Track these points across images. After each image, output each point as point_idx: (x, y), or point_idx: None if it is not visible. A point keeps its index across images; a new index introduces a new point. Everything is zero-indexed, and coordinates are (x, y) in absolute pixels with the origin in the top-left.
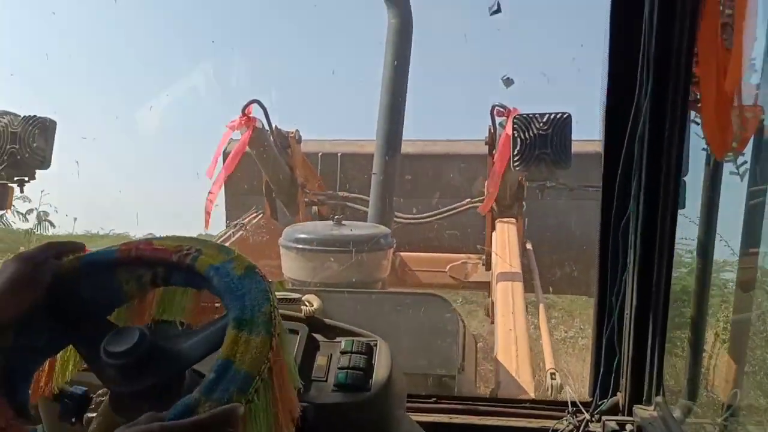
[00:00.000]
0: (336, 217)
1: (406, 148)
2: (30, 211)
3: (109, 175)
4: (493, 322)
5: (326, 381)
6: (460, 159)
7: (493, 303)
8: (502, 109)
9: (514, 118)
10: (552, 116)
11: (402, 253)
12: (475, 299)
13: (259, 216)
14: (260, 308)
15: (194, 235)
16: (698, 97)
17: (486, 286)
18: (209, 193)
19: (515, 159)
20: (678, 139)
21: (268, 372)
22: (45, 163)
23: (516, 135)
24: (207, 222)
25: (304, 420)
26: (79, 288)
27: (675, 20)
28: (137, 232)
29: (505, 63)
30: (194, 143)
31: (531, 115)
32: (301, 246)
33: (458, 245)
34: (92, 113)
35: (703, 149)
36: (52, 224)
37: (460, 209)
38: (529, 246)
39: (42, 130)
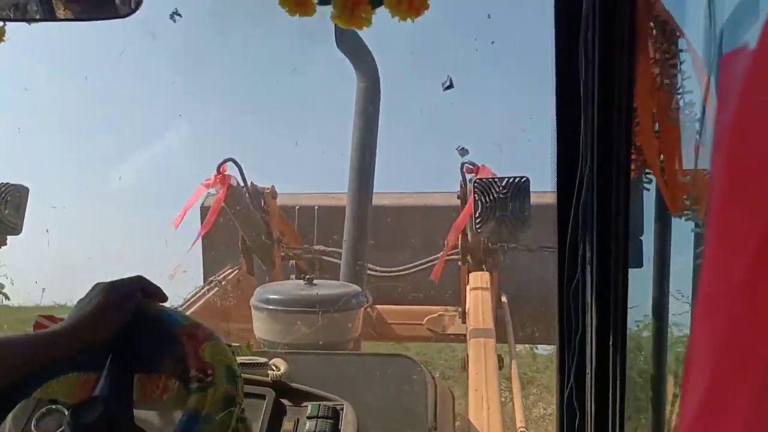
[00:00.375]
0: (307, 276)
1: (380, 200)
2: None
3: (78, 243)
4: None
5: None
6: (435, 210)
7: (468, 356)
8: (471, 167)
9: (475, 182)
10: (511, 180)
11: (379, 306)
12: None
13: (236, 272)
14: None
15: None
16: (644, 162)
17: (463, 339)
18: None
19: (477, 221)
20: (624, 201)
21: None
22: (17, 230)
23: (477, 198)
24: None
25: None
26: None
27: (613, 94)
28: None
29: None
30: (166, 207)
31: (491, 180)
32: (271, 307)
33: (435, 298)
34: (61, 182)
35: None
36: (6, 297)
37: (435, 262)
38: (504, 299)
39: (14, 196)
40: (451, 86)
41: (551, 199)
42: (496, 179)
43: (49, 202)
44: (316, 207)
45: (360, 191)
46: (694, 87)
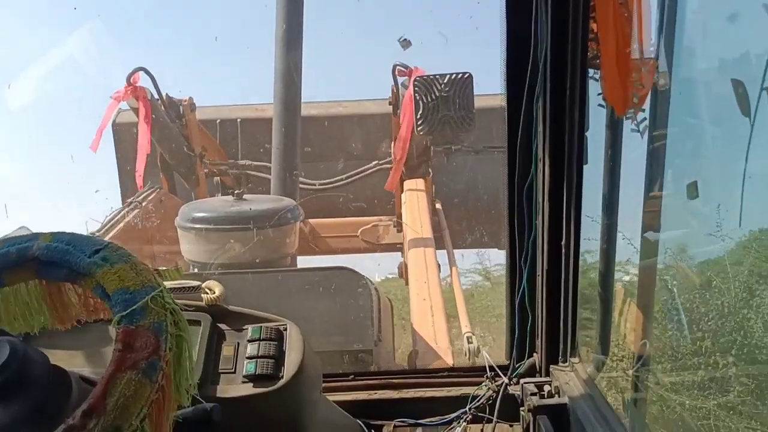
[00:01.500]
0: (236, 192)
1: (308, 110)
2: None
3: None
4: (407, 284)
5: (234, 372)
6: (365, 119)
7: (406, 265)
8: (403, 69)
9: (415, 80)
10: (453, 77)
11: (312, 220)
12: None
13: (157, 191)
14: (103, 246)
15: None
16: (597, 53)
17: (398, 249)
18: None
19: (418, 123)
20: (579, 96)
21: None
22: None
23: (417, 98)
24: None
25: (210, 421)
26: None
27: None
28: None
29: (405, 24)
30: (70, 119)
31: (432, 77)
32: (199, 225)
33: (369, 209)
34: None
35: (600, 105)
36: None
37: (367, 172)
38: (438, 206)
39: None
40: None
41: (494, 102)
42: (437, 77)
43: None
44: (238, 120)
45: (287, 98)
46: None
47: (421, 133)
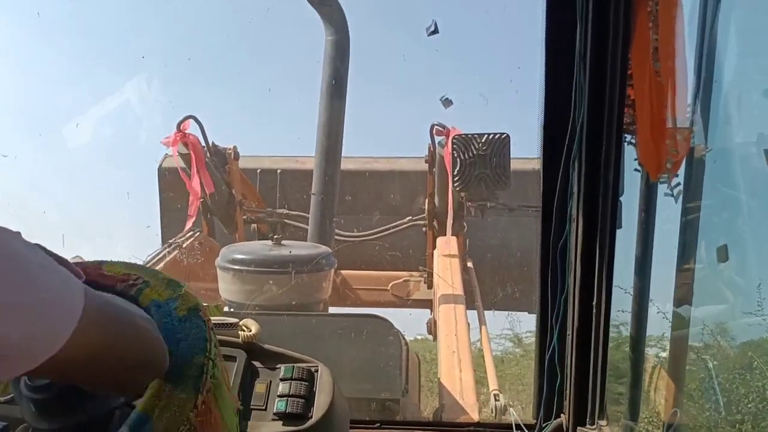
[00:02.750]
0: (275, 237)
1: (346, 164)
2: None
3: (32, 195)
4: (435, 340)
5: (265, 410)
6: (401, 176)
7: (435, 321)
8: (441, 129)
9: (453, 138)
10: (491, 136)
11: (343, 272)
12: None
13: (197, 235)
14: (192, 359)
15: (124, 258)
16: (633, 119)
17: (428, 304)
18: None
19: (455, 179)
20: (615, 159)
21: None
22: None
23: (455, 155)
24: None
25: None
26: None
27: (608, 43)
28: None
29: (444, 84)
30: (125, 161)
31: (470, 136)
32: (238, 267)
33: (400, 263)
34: (12, 131)
35: (636, 170)
36: None
37: (401, 227)
38: (470, 264)
39: None
40: (436, 31)
41: (527, 165)
42: (475, 135)
43: None
44: (278, 170)
45: (329, 147)
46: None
47: (458, 188)
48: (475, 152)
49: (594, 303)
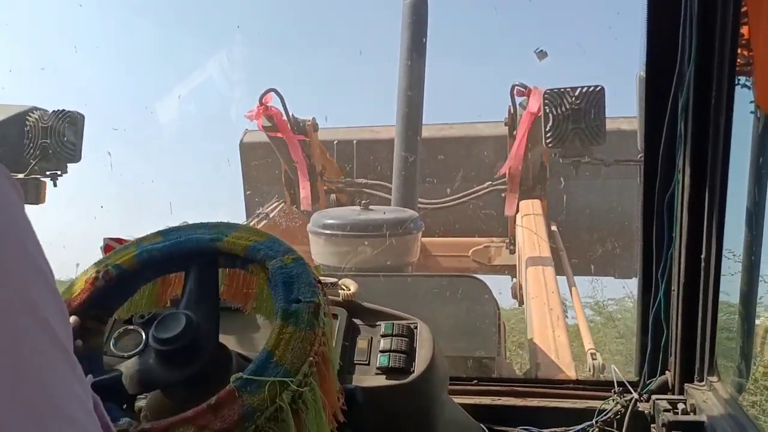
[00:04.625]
0: (363, 202)
1: (423, 132)
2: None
3: (140, 165)
4: (521, 305)
5: (368, 365)
6: (479, 141)
7: (520, 286)
8: (522, 89)
9: (545, 93)
10: (584, 89)
11: (424, 239)
12: None
13: (281, 205)
14: (308, 301)
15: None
16: (748, 60)
17: (511, 270)
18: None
19: (548, 136)
20: (726, 105)
21: (309, 366)
22: (76, 157)
23: (548, 111)
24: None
25: (354, 401)
26: None
27: None
28: (172, 222)
29: (536, 36)
30: (214, 132)
31: (563, 90)
32: (330, 231)
33: (481, 229)
34: (117, 106)
35: (752, 112)
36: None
37: (481, 192)
38: (554, 227)
39: (72, 123)
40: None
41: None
42: (568, 89)
43: (110, 124)
44: (354, 141)
45: (409, 113)
46: None
47: (550, 145)
48: (568, 106)
49: (703, 256)
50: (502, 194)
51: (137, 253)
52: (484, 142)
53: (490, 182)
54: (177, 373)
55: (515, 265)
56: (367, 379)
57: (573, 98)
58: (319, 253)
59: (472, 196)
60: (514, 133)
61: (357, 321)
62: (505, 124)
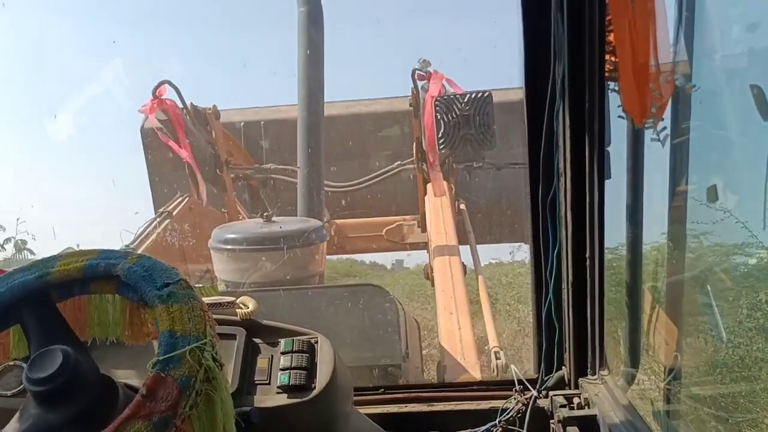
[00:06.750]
0: (266, 214)
1: (329, 110)
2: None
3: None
4: (433, 285)
5: (269, 384)
6: (383, 117)
7: (432, 268)
8: (423, 73)
9: (435, 100)
10: (473, 95)
11: (337, 221)
12: None
13: (185, 200)
14: (175, 281)
15: (116, 245)
16: (616, 65)
17: (423, 247)
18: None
19: (440, 141)
20: (599, 108)
21: (211, 328)
22: None
23: (438, 117)
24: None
25: (249, 423)
26: None
27: None
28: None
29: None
30: (107, 146)
31: (452, 96)
32: (230, 247)
33: (392, 208)
34: None
35: (620, 117)
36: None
37: (390, 173)
38: (462, 206)
39: None
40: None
41: (515, 95)
42: (457, 96)
43: None
44: (262, 122)
45: (310, 119)
46: None
47: (443, 150)
48: (458, 113)
49: (587, 255)
50: (411, 175)
51: None
52: (392, 117)
53: (399, 162)
54: (61, 415)
55: (427, 243)
56: (268, 398)
57: (462, 104)
58: (221, 269)
59: (383, 176)
60: (419, 113)
61: (257, 340)
62: (410, 105)
